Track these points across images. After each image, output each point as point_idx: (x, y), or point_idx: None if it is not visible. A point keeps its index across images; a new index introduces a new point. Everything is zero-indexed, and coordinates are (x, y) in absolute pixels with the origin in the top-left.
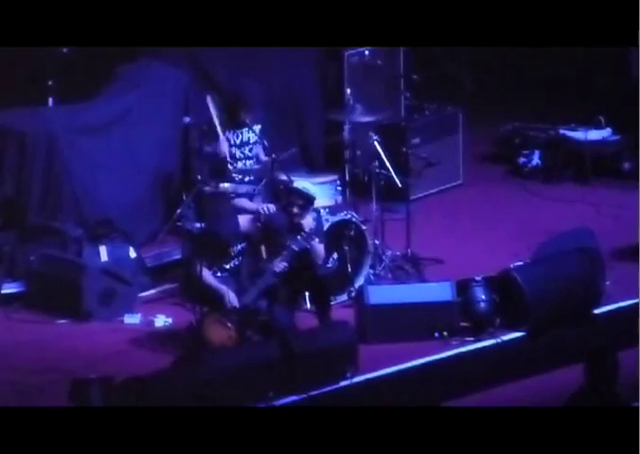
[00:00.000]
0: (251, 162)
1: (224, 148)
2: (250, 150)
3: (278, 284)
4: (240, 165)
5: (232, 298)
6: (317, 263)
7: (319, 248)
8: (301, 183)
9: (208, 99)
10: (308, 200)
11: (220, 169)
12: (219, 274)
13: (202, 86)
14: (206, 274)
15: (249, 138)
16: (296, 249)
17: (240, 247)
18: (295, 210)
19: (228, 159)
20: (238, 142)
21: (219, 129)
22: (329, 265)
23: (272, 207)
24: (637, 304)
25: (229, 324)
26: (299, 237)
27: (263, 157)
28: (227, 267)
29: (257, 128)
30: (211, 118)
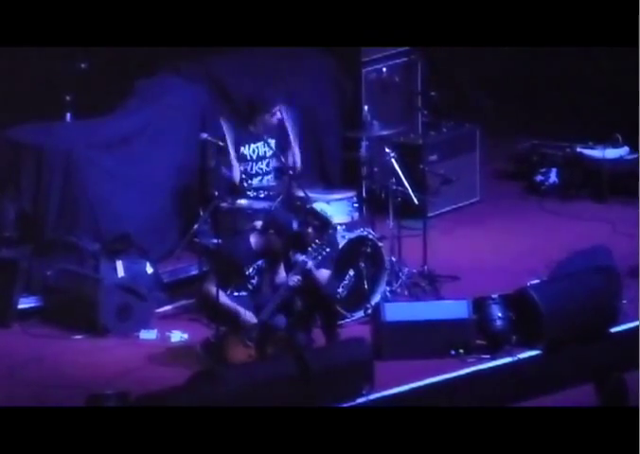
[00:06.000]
0: (268, 177)
1: (237, 175)
2: (267, 165)
3: (294, 299)
4: (256, 181)
5: (248, 316)
6: (319, 282)
7: (323, 272)
8: (320, 204)
9: (222, 123)
10: (324, 222)
11: (236, 186)
12: (236, 294)
13: (219, 102)
14: (221, 294)
15: (265, 152)
16: (307, 261)
17: (256, 266)
18: (310, 230)
19: (243, 176)
20: (254, 157)
21: (232, 154)
22: (346, 281)
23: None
24: None
25: (249, 343)
26: (310, 249)
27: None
28: (245, 287)
29: (273, 142)
30: (225, 140)
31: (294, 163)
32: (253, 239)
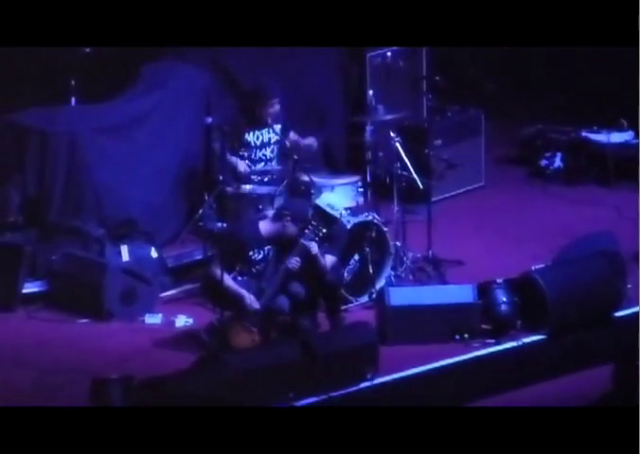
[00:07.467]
0: (272, 163)
1: (243, 168)
2: (272, 151)
3: (297, 283)
4: (259, 166)
5: (251, 300)
6: (324, 267)
7: (327, 258)
8: (327, 196)
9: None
10: (331, 219)
11: (240, 173)
12: (239, 278)
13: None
14: (226, 277)
15: (270, 139)
16: (305, 243)
17: (263, 252)
18: (320, 228)
19: (247, 162)
20: (258, 143)
21: (236, 142)
22: (350, 266)
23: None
24: None
25: (253, 328)
26: (307, 231)
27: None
28: (250, 271)
29: (278, 127)
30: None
31: (303, 143)
32: (263, 225)
